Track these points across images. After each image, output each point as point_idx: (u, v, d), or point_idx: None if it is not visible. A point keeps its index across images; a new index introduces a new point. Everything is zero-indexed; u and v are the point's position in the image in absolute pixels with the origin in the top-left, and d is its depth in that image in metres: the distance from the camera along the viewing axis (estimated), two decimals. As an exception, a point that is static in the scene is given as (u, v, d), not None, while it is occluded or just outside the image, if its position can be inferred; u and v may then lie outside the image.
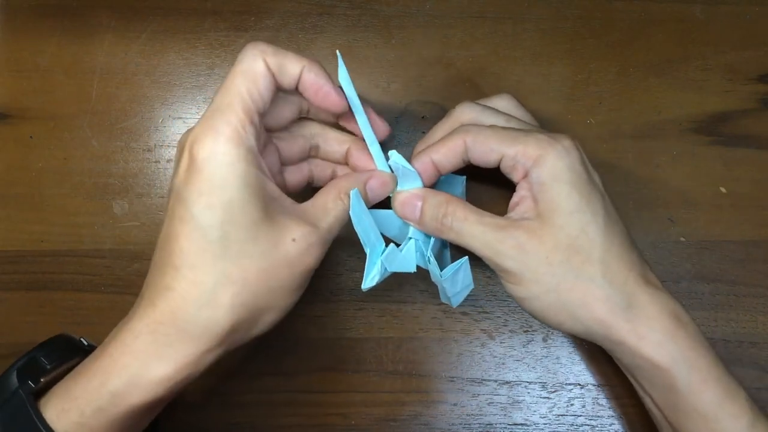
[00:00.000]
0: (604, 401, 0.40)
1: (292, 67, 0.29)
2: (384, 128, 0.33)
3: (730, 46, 0.44)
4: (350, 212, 0.32)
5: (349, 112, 0.32)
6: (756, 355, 0.40)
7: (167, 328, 0.27)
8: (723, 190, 0.42)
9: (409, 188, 0.33)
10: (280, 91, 0.30)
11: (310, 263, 0.29)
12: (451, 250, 0.38)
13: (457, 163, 0.33)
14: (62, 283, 0.40)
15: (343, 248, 0.41)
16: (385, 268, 0.34)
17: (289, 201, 0.30)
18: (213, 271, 0.27)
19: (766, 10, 0.44)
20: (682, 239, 0.41)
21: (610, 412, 0.39)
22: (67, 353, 0.31)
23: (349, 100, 0.31)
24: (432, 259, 0.34)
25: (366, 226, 0.33)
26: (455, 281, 0.34)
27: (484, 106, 0.34)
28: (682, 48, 0.44)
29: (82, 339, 0.33)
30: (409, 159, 0.33)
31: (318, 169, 0.35)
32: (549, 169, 0.30)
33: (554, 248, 0.30)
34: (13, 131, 0.41)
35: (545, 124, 0.41)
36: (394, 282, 0.40)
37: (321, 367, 0.40)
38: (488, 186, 0.40)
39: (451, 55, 0.43)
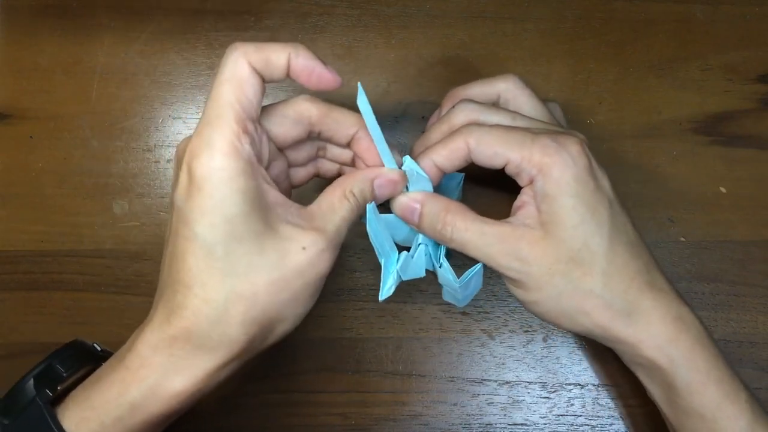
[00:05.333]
0: (604, 401, 0.40)
1: (278, 58, 0.28)
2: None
3: (730, 46, 0.44)
4: (367, 226, 0.32)
5: (360, 136, 0.32)
6: (756, 355, 0.40)
7: (183, 344, 0.27)
8: (723, 190, 0.42)
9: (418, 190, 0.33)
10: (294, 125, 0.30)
11: (322, 270, 0.29)
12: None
13: (459, 165, 0.32)
14: (62, 283, 0.40)
15: (343, 248, 0.40)
16: (400, 277, 0.34)
17: (295, 207, 0.29)
18: (222, 288, 0.27)
19: (766, 10, 0.44)
20: (682, 239, 0.41)
21: (610, 412, 0.39)
22: (82, 359, 0.31)
23: (367, 124, 0.31)
24: (445, 264, 0.34)
25: (381, 238, 0.33)
26: (468, 285, 0.34)
27: (486, 104, 0.33)
28: (682, 48, 0.44)
29: (95, 345, 0.33)
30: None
31: (325, 167, 0.35)
32: (554, 181, 0.29)
33: (556, 261, 0.30)
34: (13, 131, 0.41)
35: (545, 124, 0.41)
36: (394, 282, 0.40)
37: (321, 367, 0.40)
38: (492, 182, 0.40)
39: (451, 55, 0.43)
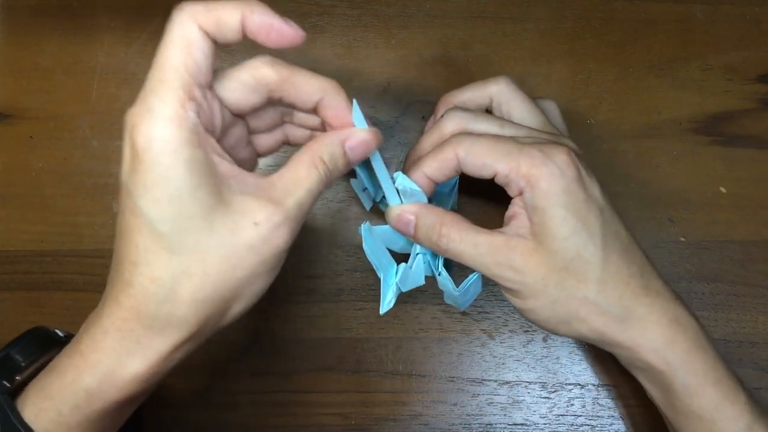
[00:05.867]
0: (604, 401, 0.40)
1: (230, 18, 0.25)
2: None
3: (730, 46, 0.44)
4: (363, 246, 0.32)
5: (326, 103, 0.29)
6: (756, 355, 0.40)
7: (132, 325, 0.26)
8: (723, 190, 0.42)
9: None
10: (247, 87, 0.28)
11: (278, 246, 0.27)
12: None
13: (451, 175, 0.32)
14: (62, 283, 0.40)
15: (343, 248, 0.41)
16: (399, 289, 0.34)
17: (252, 177, 0.27)
18: (169, 266, 0.25)
19: (766, 10, 0.44)
20: (682, 239, 0.41)
21: (610, 412, 0.39)
22: (43, 347, 0.30)
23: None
24: (444, 273, 0.34)
25: (379, 254, 0.33)
26: (467, 292, 0.35)
27: (475, 112, 0.33)
28: (682, 48, 0.44)
29: (57, 330, 0.32)
30: (402, 169, 0.33)
31: (294, 132, 0.32)
32: (542, 193, 0.29)
33: (550, 270, 0.30)
34: (13, 131, 0.41)
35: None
36: (394, 282, 0.40)
37: (321, 367, 0.40)
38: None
39: (451, 55, 0.43)
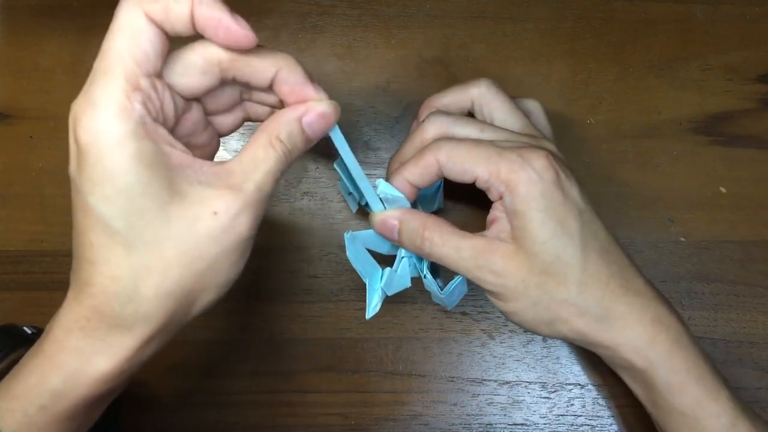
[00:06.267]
0: (604, 401, 0.40)
1: (179, 7, 0.24)
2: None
3: (730, 46, 0.44)
4: (347, 253, 0.33)
5: (281, 78, 0.28)
6: (756, 355, 0.40)
7: (96, 324, 0.25)
8: (723, 190, 0.42)
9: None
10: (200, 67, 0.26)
11: (241, 234, 0.26)
12: None
13: (432, 180, 0.32)
14: (62, 283, 0.39)
15: (342, 248, 0.41)
16: (385, 293, 0.34)
17: (208, 166, 0.26)
18: (128, 263, 0.25)
19: (766, 10, 0.44)
20: (682, 239, 0.41)
21: (610, 412, 0.39)
22: (10, 345, 0.30)
23: (343, 157, 0.31)
24: (429, 276, 0.34)
25: (363, 260, 0.34)
26: (453, 293, 0.35)
27: (455, 115, 0.33)
28: (682, 48, 0.44)
29: (25, 327, 0.31)
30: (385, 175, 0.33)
31: (255, 109, 0.31)
32: (521, 197, 0.29)
33: (530, 273, 0.30)
34: (13, 131, 0.41)
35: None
36: (394, 282, 0.40)
37: (321, 367, 0.40)
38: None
39: (451, 55, 0.43)
